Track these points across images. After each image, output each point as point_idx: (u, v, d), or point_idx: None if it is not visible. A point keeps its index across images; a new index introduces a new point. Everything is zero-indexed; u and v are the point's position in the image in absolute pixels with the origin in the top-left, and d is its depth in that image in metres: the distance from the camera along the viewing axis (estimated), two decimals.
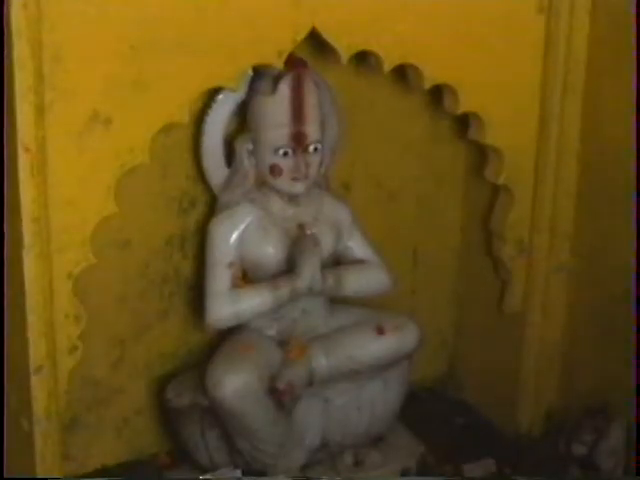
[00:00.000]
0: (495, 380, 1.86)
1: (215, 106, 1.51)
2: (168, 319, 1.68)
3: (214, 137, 1.53)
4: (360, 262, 1.64)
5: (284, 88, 1.45)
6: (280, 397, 1.49)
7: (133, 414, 1.72)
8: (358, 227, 1.65)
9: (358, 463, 1.65)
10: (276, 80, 1.45)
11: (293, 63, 1.41)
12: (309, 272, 1.49)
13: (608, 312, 1.65)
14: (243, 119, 1.55)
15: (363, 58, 1.45)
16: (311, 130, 1.48)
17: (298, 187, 1.51)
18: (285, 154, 1.47)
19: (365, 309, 1.68)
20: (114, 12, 1.15)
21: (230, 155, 1.55)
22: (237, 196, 1.54)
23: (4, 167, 1.21)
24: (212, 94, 1.48)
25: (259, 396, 1.46)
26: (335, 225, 1.60)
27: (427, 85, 1.46)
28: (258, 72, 1.47)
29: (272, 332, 1.59)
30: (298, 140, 1.47)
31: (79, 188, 1.23)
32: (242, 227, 1.52)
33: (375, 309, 1.68)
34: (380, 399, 1.65)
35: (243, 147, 1.50)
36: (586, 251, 1.69)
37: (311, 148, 1.49)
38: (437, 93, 1.56)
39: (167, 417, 1.64)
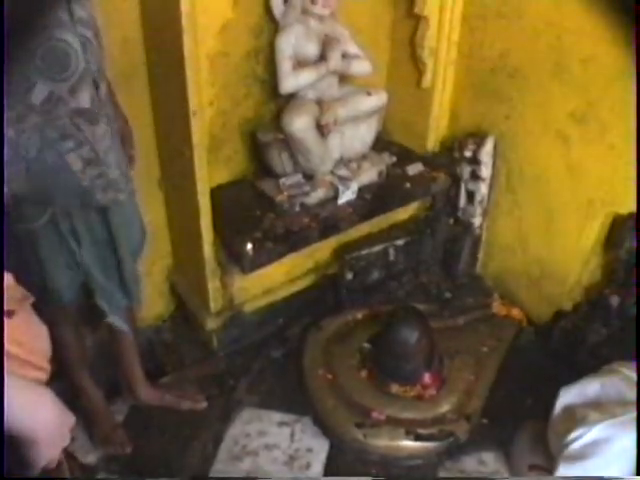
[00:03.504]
0: (412, 124, 2.60)
1: None
2: (250, 98, 2.24)
3: None
4: (356, 57, 2.25)
5: None
6: (322, 130, 2.14)
7: (234, 153, 2.33)
8: (352, 38, 2.23)
9: (358, 167, 2.34)
10: None
11: None
12: (335, 59, 2.12)
13: (481, 79, 2.37)
14: None
15: None
16: None
17: (326, 11, 2.10)
18: None
19: (357, 86, 2.32)
20: None
21: None
22: (290, 20, 2.09)
23: None
24: None
25: (312, 128, 2.11)
26: (341, 35, 2.20)
27: None
28: None
29: (312, 96, 2.18)
30: None
31: None
32: (293, 36, 2.08)
33: (362, 85, 2.33)
34: (367, 133, 2.33)
35: None
36: (467, 49, 2.39)
37: None
38: None
39: (257, 149, 2.31)
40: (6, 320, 1.01)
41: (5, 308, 1.02)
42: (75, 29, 1.34)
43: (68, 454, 1.29)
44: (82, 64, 1.36)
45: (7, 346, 0.99)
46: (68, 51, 1.33)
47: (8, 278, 1.09)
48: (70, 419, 1.04)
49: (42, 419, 0.98)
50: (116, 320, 1.79)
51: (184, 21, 1.61)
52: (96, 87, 1.44)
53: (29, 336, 1.07)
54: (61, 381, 1.71)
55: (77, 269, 1.63)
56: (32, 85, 1.31)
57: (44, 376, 1.09)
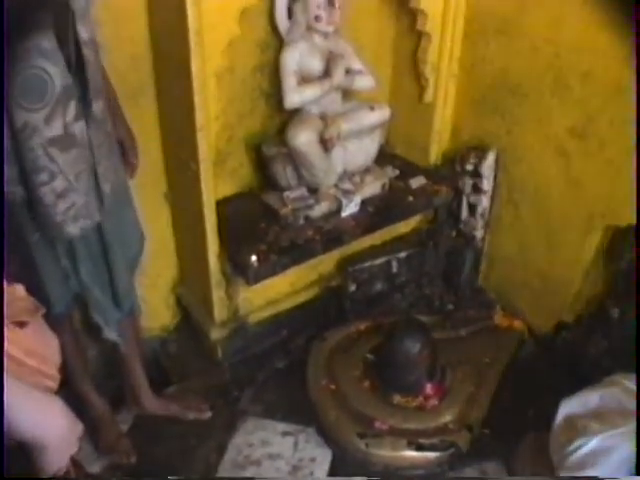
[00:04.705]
0: (415, 137, 2.63)
1: None
2: (255, 113, 2.29)
3: (281, 3, 2.12)
4: (359, 72, 2.28)
5: None
6: (326, 144, 2.16)
7: (239, 166, 2.36)
8: (355, 53, 2.27)
9: (361, 181, 2.37)
10: None
11: None
12: (338, 74, 2.15)
13: (482, 94, 2.41)
14: None
15: None
16: None
17: (330, 28, 2.14)
18: (323, 9, 2.08)
19: (361, 100, 2.35)
20: None
21: (290, 13, 2.14)
22: (295, 36, 2.13)
23: None
24: None
25: (315, 143, 2.14)
26: (345, 51, 2.23)
27: None
28: None
29: (315, 111, 2.21)
30: (330, 0, 2.07)
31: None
32: (298, 52, 2.12)
33: (365, 100, 2.36)
34: (370, 147, 2.36)
35: (298, 7, 2.10)
36: (468, 65, 2.43)
37: (337, 5, 2.09)
38: None
39: (262, 162, 2.33)
40: (18, 330, 1.03)
41: (17, 319, 1.04)
42: (57, 56, 1.32)
43: (74, 462, 1.30)
44: (58, 90, 1.33)
45: (20, 355, 1.01)
46: (45, 79, 1.30)
47: (20, 289, 1.11)
48: (79, 427, 1.07)
49: (52, 426, 1.00)
50: (111, 334, 1.79)
51: (191, 38, 1.64)
52: (89, 106, 1.44)
53: (40, 346, 1.10)
54: (68, 390, 1.73)
55: (71, 282, 1.64)
56: (11, 113, 1.30)
57: (54, 384, 1.12)
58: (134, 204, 1.80)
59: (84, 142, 1.44)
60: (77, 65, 1.39)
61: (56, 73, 1.31)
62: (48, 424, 0.98)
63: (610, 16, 1.87)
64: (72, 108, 1.37)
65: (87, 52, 1.39)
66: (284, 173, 2.22)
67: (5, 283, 1.05)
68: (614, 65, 1.89)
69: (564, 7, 1.99)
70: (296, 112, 2.18)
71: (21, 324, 1.04)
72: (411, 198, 2.38)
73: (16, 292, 1.07)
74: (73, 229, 1.50)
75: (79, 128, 1.41)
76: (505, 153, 2.40)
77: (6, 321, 1.01)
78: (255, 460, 2.06)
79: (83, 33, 1.38)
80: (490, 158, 2.41)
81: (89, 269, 1.64)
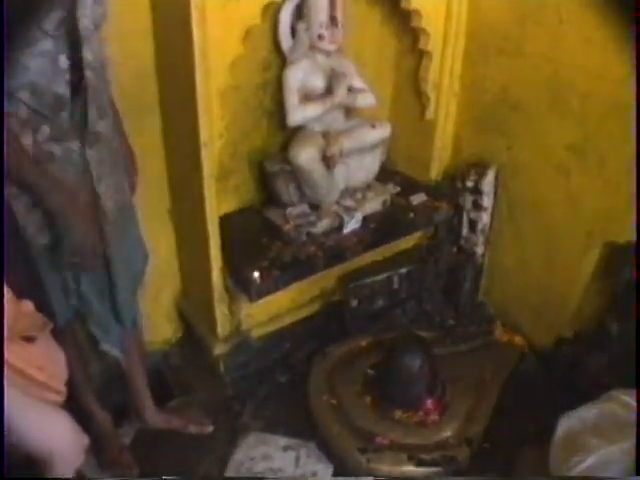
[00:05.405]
0: (416, 154, 2.67)
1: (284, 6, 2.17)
2: (258, 130, 2.34)
3: (285, 23, 2.19)
4: (361, 90, 2.33)
5: None
6: (328, 161, 2.19)
7: (242, 183, 2.42)
8: (357, 72, 2.32)
9: (363, 197, 2.41)
10: None
11: None
12: (341, 92, 2.19)
13: (483, 112, 2.45)
14: (300, 12, 2.19)
15: None
16: (339, 14, 2.13)
17: (333, 46, 2.18)
18: (326, 28, 2.12)
19: (362, 118, 2.38)
20: None
21: (293, 32, 2.20)
22: (298, 55, 2.17)
23: None
24: None
25: (318, 160, 2.17)
26: (347, 70, 2.27)
27: None
28: None
29: (318, 129, 2.24)
30: (333, 20, 2.13)
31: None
32: (301, 71, 2.17)
33: (367, 118, 2.39)
34: (371, 164, 2.41)
35: (301, 26, 2.15)
36: (469, 83, 2.47)
37: (339, 24, 2.14)
38: None
39: (264, 179, 2.39)
40: (27, 345, 1.06)
41: (26, 334, 1.07)
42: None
43: (79, 475, 1.32)
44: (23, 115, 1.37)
45: (28, 370, 1.04)
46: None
47: (28, 305, 1.13)
48: (84, 439, 1.09)
49: (59, 438, 1.02)
50: (109, 347, 1.81)
51: (196, 58, 1.69)
52: (86, 124, 1.47)
53: (48, 361, 1.12)
54: (71, 403, 1.74)
55: (72, 295, 1.66)
56: None
57: (61, 399, 1.14)
58: (138, 223, 1.82)
59: (71, 159, 1.48)
60: (79, 85, 1.42)
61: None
62: (55, 436, 1.00)
63: (609, 35, 1.90)
64: (45, 129, 1.42)
65: (89, 74, 1.42)
66: (287, 190, 2.25)
67: (14, 298, 1.07)
68: (613, 82, 1.93)
69: (563, 26, 2.02)
70: (299, 130, 2.21)
71: (29, 339, 1.07)
72: (412, 214, 2.41)
73: (25, 308, 1.10)
74: (44, 241, 1.53)
75: (65, 146, 1.46)
76: (505, 170, 2.42)
77: (15, 337, 1.04)
78: (257, 474, 2.07)
79: (88, 55, 1.41)
80: (490, 175, 2.44)
81: (90, 282, 1.66)
